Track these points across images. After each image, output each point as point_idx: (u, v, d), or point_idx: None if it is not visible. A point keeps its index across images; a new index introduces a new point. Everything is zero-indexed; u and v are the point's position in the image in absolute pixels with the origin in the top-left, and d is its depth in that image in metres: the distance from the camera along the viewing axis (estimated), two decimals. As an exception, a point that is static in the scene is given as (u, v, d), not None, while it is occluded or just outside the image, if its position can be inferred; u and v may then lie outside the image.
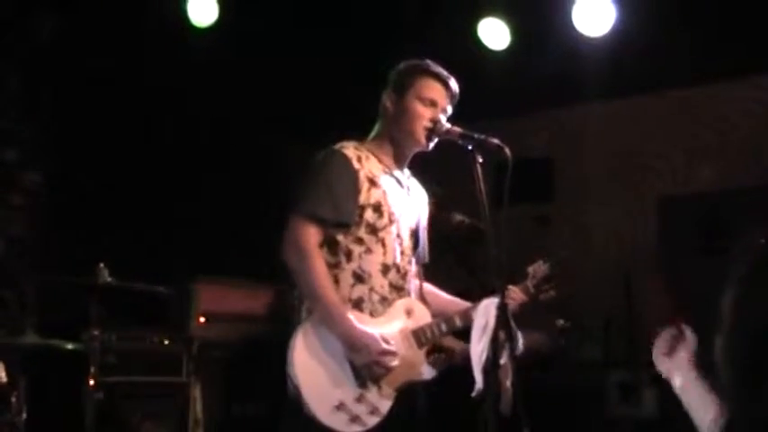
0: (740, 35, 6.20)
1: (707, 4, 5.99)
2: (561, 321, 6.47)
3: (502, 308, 3.01)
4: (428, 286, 3.62)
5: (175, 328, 5.92)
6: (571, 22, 6.09)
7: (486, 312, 3.16)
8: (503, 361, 3.02)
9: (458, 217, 3.76)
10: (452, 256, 4.55)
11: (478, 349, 3.09)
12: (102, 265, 4.78)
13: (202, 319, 6.04)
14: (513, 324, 3.09)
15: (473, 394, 3.06)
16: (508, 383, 3.11)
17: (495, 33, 6.45)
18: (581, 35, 6.13)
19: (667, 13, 6.05)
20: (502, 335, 2.99)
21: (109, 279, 4.74)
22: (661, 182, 7.52)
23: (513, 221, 2.96)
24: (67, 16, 6.31)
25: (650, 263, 7.30)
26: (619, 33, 6.09)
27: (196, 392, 5.52)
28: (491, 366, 3.00)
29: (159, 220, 6.58)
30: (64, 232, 6.23)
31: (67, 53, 6.41)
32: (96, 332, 4.76)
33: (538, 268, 3.57)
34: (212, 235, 6.76)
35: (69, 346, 4.79)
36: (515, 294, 3.49)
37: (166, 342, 5.72)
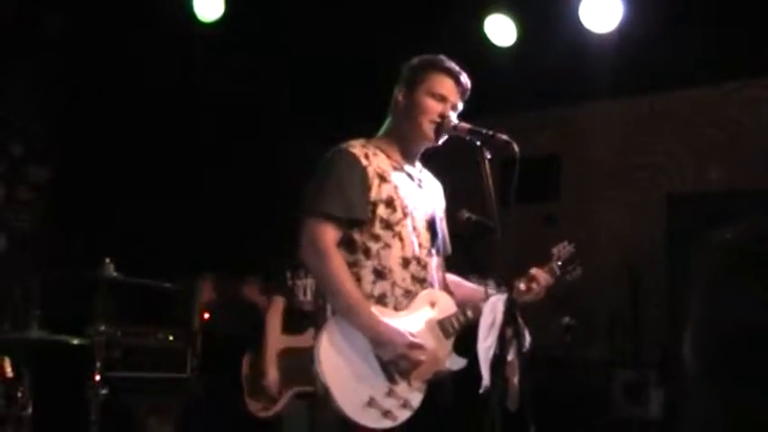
0: (751, 35, 6.19)
1: (717, 2, 5.99)
2: (567, 319, 6.48)
3: (509, 304, 3.00)
4: (451, 276, 3.60)
5: (180, 323, 5.92)
6: (578, 18, 6.10)
7: (493, 309, 3.14)
8: (510, 357, 3.00)
9: (465, 214, 3.73)
10: (461, 253, 4.55)
11: (486, 346, 3.07)
12: (107, 260, 4.80)
13: (206, 315, 6.05)
14: (520, 321, 3.05)
15: (480, 391, 3.05)
16: (515, 380, 3.09)
17: (501, 30, 6.47)
18: (588, 32, 6.15)
19: (676, 11, 6.05)
20: (509, 331, 2.98)
21: (114, 274, 4.76)
22: (668, 181, 7.52)
23: (519, 220, 2.98)
24: (75, 13, 6.33)
25: (657, 262, 7.31)
26: (626, 30, 6.10)
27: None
28: (498, 363, 3.00)
29: (165, 215, 6.59)
30: (70, 227, 6.25)
31: (75, 49, 6.43)
32: (101, 327, 4.78)
33: (562, 249, 3.56)
34: (218, 231, 6.77)
35: (75, 342, 4.80)
36: (541, 277, 3.46)
37: (171, 338, 5.72)
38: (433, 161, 3.61)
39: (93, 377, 4.69)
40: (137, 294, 5.18)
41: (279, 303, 4.97)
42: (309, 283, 4.90)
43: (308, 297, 4.87)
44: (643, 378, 6.67)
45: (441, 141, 3.41)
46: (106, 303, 4.81)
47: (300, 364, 4.43)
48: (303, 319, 4.76)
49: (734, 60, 6.57)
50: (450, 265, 3.63)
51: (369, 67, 6.51)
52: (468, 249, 4.44)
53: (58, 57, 6.52)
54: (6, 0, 6.11)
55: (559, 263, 3.54)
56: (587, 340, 7.13)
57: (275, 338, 4.90)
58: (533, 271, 3.47)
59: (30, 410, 4.56)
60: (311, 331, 4.59)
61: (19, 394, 4.52)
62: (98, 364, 4.71)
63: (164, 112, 6.84)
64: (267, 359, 4.83)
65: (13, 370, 4.52)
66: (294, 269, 4.91)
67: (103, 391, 4.72)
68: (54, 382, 5.02)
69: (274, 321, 4.93)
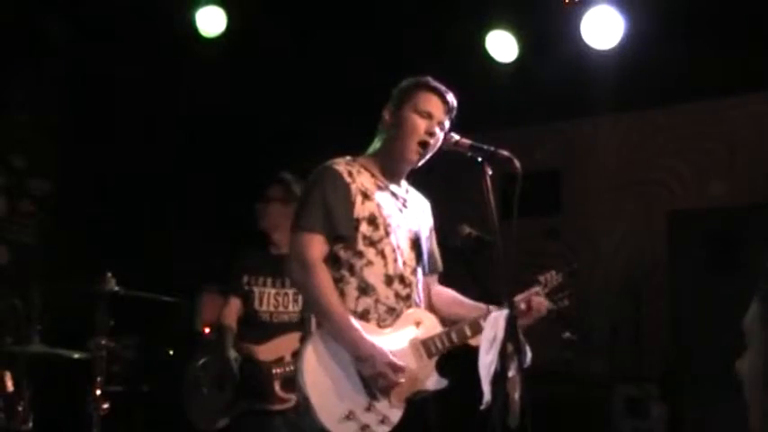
0: (752, 49, 6.21)
1: (718, 17, 6.00)
2: (567, 334, 6.47)
3: (510, 320, 3.03)
4: (451, 292, 3.63)
5: (182, 337, 5.93)
6: (579, 34, 6.12)
7: (494, 324, 3.16)
8: (511, 373, 3.03)
9: (466, 229, 3.75)
10: (462, 268, 4.57)
11: (487, 361, 3.09)
12: (109, 273, 4.80)
13: (207, 330, 6.04)
14: (521, 336, 3.10)
15: (481, 407, 3.06)
16: (516, 396, 3.12)
17: (503, 46, 6.49)
18: (589, 47, 6.16)
19: (677, 26, 6.07)
20: (510, 347, 3.01)
21: (116, 288, 4.76)
22: (670, 196, 7.51)
23: (520, 234, 2.98)
24: (78, 24, 6.35)
25: (658, 277, 7.31)
26: (628, 46, 6.11)
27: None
28: (499, 379, 3.02)
29: (167, 228, 6.60)
30: (71, 240, 6.25)
31: (77, 62, 6.45)
32: (102, 341, 4.77)
33: (550, 277, 3.57)
34: (220, 245, 6.76)
35: (75, 356, 4.80)
36: (540, 304, 3.47)
37: (172, 352, 5.72)
38: (434, 176, 3.62)
39: (94, 391, 4.69)
40: (138, 308, 5.18)
41: (234, 305, 4.85)
42: (269, 291, 4.84)
43: (266, 307, 4.81)
44: (644, 393, 6.66)
45: (421, 163, 3.44)
46: (107, 317, 4.81)
47: (258, 380, 4.54)
48: (260, 329, 4.72)
49: (734, 75, 6.58)
50: (451, 279, 3.65)
51: (369, 85, 6.54)
52: (469, 264, 4.46)
53: (60, 69, 6.54)
54: (8, 10, 6.13)
55: (546, 291, 3.54)
56: (588, 355, 7.13)
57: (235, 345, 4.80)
58: (533, 297, 3.47)
59: (30, 424, 4.55)
60: (270, 345, 4.64)
61: (19, 408, 4.51)
62: (99, 378, 4.70)
63: (166, 126, 6.86)
64: (227, 366, 4.67)
65: (14, 384, 4.52)
66: (253, 274, 4.84)
67: (104, 406, 4.71)
68: (55, 396, 5.02)
69: (230, 323, 4.80)
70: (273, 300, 4.86)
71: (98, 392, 4.67)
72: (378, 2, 6.32)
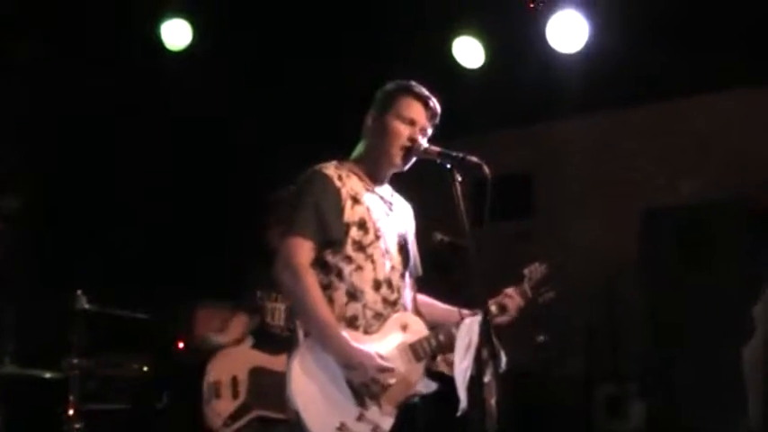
0: (718, 48, 6.26)
1: (683, 18, 6.05)
2: (541, 337, 6.48)
3: (485, 325, 3.03)
4: (423, 297, 3.62)
5: (156, 354, 5.90)
6: (545, 38, 6.14)
7: (469, 330, 3.20)
8: (487, 379, 3.04)
9: (438, 236, 3.77)
10: (435, 274, 4.58)
11: (463, 368, 3.12)
12: (79, 291, 4.77)
13: (181, 345, 6.02)
14: (496, 341, 3.10)
15: (458, 413, 3.09)
16: (493, 401, 3.10)
17: (469, 52, 6.51)
18: (556, 51, 6.19)
19: (642, 27, 6.12)
20: (485, 352, 3.02)
21: (87, 305, 4.73)
22: (642, 195, 7.52)
23: (493, 238, 3.01)
24: (45, 40, 6.31)
25: (632, 275, 7.33)
26: (594, 49, 6.15)
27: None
28: (475, 385, 3.04)
29: (139, 244, 6.57)
30: (42, 258, 6.21)
31: (45, 77, 6.41)
32: (75, 360, 4.74)
33: (535, 270, 3.59)
34: (193, 260, 6.76)
35: (47, 375, 4.76)
36: (513, 299, 3.52)
37: (146, 369, 5.69)
38: (404, 183, 3.63)
39: (68, 411, 4.64)
40: (113, 324, 5.16)
41: (242, 318, 4.94)
42: (279, 307, 4.91)
43: (277, 321, 4.88)
44: (623, 391, 6.69)
45: (407, 167, 3.45)
46: (80, 335, 4.78)
47: (270, 388, 4.58)
48: (274, 342, 4.78)
49: (701, 74, 6.62)
50: (427, 286, 3.65)
51: (338, 92, 6.56)
52: (444, 270, 4.46)
53: (29, 84, 6.49)
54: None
55: (531, 284, 3.58)
56: (565, 356, 7.15)
57: (246, 352, 4.87)
58: (505, 293, 3.52)
59: (5, 446, 4.52)
60: (284, 357, 4.68)
61: (-6, 430, 4.47)
62: (72, 398, 4.67)
63: (135, 139, 6.83)
64: (239, 371, 4.77)
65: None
66: (266, 290, 4.90)
67: (77, 425, 4.67)
68: (29, 416, 4.97)
69: (236, 333, 4.91)
70: (284, 314, 4.93)
71: (71, 412, 4.63)
72: (345, 10, 6.32)
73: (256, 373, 4.75)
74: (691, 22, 6.06)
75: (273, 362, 4.67)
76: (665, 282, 6.87)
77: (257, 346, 4.85)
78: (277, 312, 4.93)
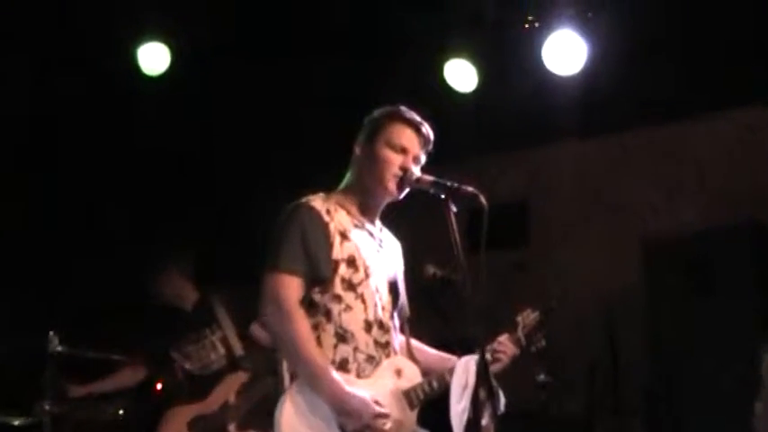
0: (716, 70, 6.29)
1: (681, 40, 6.08)
2: (542, 376, 6.45)
3: (482, 365, 3.01)
4: (415, 342, 3.61)
5: (133, 396, 5.85)
6: (541, 60, 6.14)
7: (465, 370, 3.20)
8: (485, 421, 3.01)
9: (431, 269, 3.74)
10: (429, 309, 4.57)
11: (459, 409, 3.12)
12: (51, 332, 4.73)
13: (159, 387, 5.98)
14: (493, 381, 3.09)
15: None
16: (491, 443, 3.14)
17: (462, 75, 6.51)
18: (552, 74, 6.19)
19: (640, 49, 6.14)
20: (482, 393, 2.99)
21: (60, 348, 4.69)
22: (641, 222, 7.51)
23: (487, 268, 3.00)
24: (15, 63, 6.29)
25: (634, 307, 7.31)
26: (591, 71, 6.14)
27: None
28: (472, 427, 3.01)
29: (111, 285, 6.56)
30: (12, 299, 6.16)
31: (15, 102, 6.39)
32: (48, 405, 4.70)
33: (527, 317, 3.57)
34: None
35: (16, 423, 4.73)
36: (507, 347, 3.49)
37: (122, 412, 5.65)
38: (396, 215, 3.60)
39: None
40: (87, 367, 5.14)
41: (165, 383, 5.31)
42: (188, 350, 5.28)
43: (189, 365, 5.29)
44: (626, 427, 6.66)
45: (402, 195, 3.42)
46: (53, 378, 4.75)
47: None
48: (198, 387, 5.15)
49: (700, 96, 6.64)
50: (418, 323, 3.63)
51: (324, 120, 6.55)
52: (437, 306, 4.44)
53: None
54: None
55: (525, 332, 3.54)
56: (565, 392, 7.10)
57: (179, 412, 5.18)
58: (498, 342, 3.48)
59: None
60: (212, 397, 5.05)
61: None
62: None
63: (108, 169, 6.81)
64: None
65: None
66: (175, 343, 5.25)
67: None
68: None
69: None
70: (197, 356, 5.27)
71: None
72: (331, 32, 6.32)
73: (197, 425, 5.02)
74: (691, 44, 6.09)
75: (205, 406, 4.98)
76: (669, 312, 6.85)
77: (188, 395, 5.16)
78: (191, 357, 5.27)
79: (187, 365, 5.29)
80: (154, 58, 6.32)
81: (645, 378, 6.91)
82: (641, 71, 6.30)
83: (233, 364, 5.29)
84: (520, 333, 3.53)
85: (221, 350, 5.30)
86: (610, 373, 7.08)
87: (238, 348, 5.30)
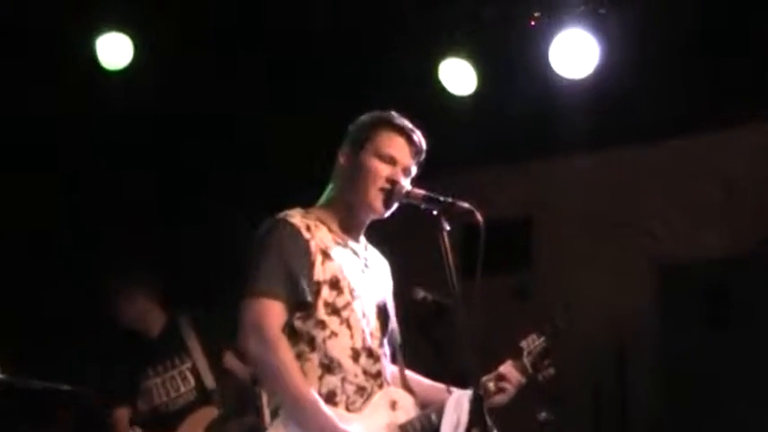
0: (743, 75, 6.29)
1: (710, 40, 6.08)
2: (544, 414, 6.44)
3: (476, 401, 3.01)
4: (408, 372, 3.61)
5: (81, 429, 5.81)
6: (548, 61, 6.13)
7: (457, 406, 3.21)
8: (479, 462, 3.00)
9: (420, 293, 3.73)
10: (418, 337, 4.57)
11: (449, 451, 3.10)
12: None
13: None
14: (489, 420, 3.07)
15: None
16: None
17: (459, 76, 6.49)
18: (560, 77, 6.18)
19: (658, 51, 6.13)
20: (476, 432, 2.99)
21: (0, 376, 4.68)
22: (657, 245, 7.55)
23: (485, 294, 2.97)
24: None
25: (646, 339, 7.31)
26: (604, 74, 6.14)
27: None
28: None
29: (58, 309, 6.58)
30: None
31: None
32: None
33: (532, 343, 3.57)
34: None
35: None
36: (512, 376, 3.49)
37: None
38: (383, 232, 3.57)
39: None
40: (30, 397, 5.12)
41: (123, 417, 5.29)
42: (155, 382, 5.30)
43: (157, 399, 5.31)
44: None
45: (389, 212, 3.40)
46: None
47: None
48: (166, 423, 5.19)
49: (728, 105, 6.65)
50: (408, 353, 3.62)
51: (303, 125, 6.53)
52: (427, 335, 4.42)
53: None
54: None
55: (531, 359, 3.55)
56: (569, 426, 7.09)
57: None
58: (503, 369, 3.48)
59: None
60: (184, 428, 5.21)
61: None
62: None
63: (63, 173, 6.78)
64: None
65: None
66: (137, 372, 5.28)
67: None
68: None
69: None
70: (163, 388, 5.27)
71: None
72: (313, 27, 6.30)
73: None
74: (716, 46, 6.08)
75: None
76: (684, 345, 6.87)
77: None
78: (155, 390, 5.31)
79: (151, 399, 5.30)
80: (114, 50, 6.32)
81: (655, 412, 6.93)
82: (659, 76, 6.31)
83: (203, 398, 5.28)
84: (525, 360, 3.54)
85: (191, 382, 5.31)
86: (617, 406, 7.10)
87: (210, 380, 5.30)
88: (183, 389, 5.28)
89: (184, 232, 7.40)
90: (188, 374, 5.30)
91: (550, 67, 6.15)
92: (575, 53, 6.08)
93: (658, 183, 7.57)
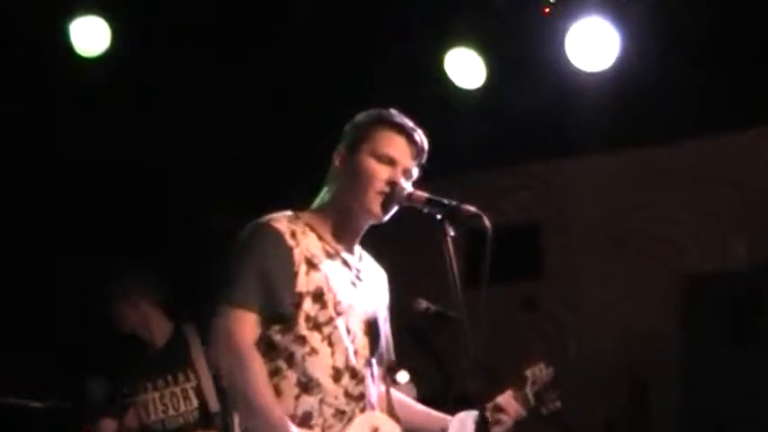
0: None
1: (741, 32, 6.05)
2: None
3: (482, 425, 3.07)
4: (398, 395, 3.61)
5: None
6: (564, 53, 6.12)
7: (461, 428, 3.25)
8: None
9: (422, 303, 3.74)
10: (417, 353, 4.56)
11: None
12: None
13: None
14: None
15: None
16: None
17: (466, 68, 6.48)
18: (576, 70, 6.17)
19: (685, 44, 6.10)
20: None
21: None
22: (677, 255, 7.55)
23: (490, 304, 2.97)
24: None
25: (667, 357, 7.28)
26: (624, 68, 6.13)
27: None
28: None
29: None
30: None
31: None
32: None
33: (539, 372, 3.57)
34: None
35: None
36: (511, 407, 3.49)
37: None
38: (381, 238, 3.55)
39: None
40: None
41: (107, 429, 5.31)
42: (153, 397, 5.27)
43: (154, 416, 5.28)
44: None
45: (388, 216, 3.38)
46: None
47: None
48: None
49: (758, 105, 6.64)
50: (409, 368, 3.69)
51: (296, 124, 6.51)
52: (428, 349, 4.41)
53: None
54: None
55: (535, 389, 3.54)
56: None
57: None
58: (502, 400, 3.49)
59: None
60: None
61: None
62: None
63: (34, 171, 6.82)
64: None
65: None
66: (134, 382, 5.25)
67: None
68: None
69: None
70: (161, 404, 5.25)
71: None
72: (307, 18, 6.29)
73: None
74: (750, 37, 6.04)
75: None
76: (709, 364, 6.86)
77: None
78: (152, 405, 5.27)
79: (147, 414, 5.28)
80: (90, 35, 6.29)
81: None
82: (686, 71, 6.28)
83: (204, 421, 5.28)
84: (528, 390, 3.53)
85: (193, 402, 5.31)
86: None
87: (214, 403, 5.29)
88: (183, 408, 5.28)
89: (188, 237, 7.43)
90: (191, 394, 5.30)
91: (566, 59, 6.15)
92: (593, 44, 6.08)
93: (680, 188, 7.57)
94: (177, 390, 5.23)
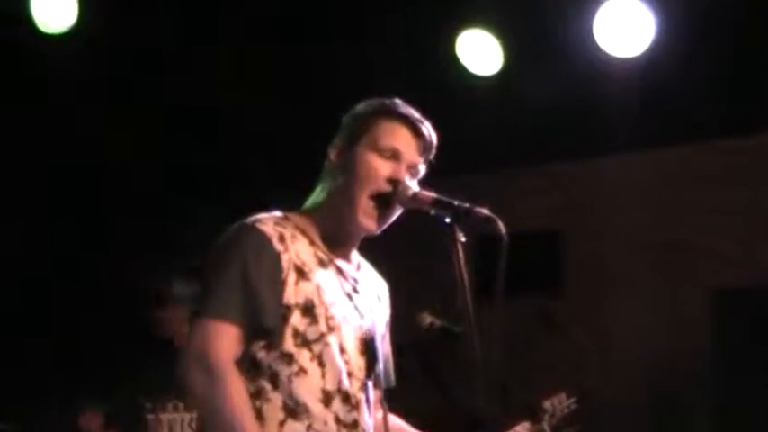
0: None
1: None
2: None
3: None
4: (396, 420, 3.59)
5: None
6: (592, 36, 6.14)
7: None
8: None
9: (427, 318, 3.73)
10: (421, 372, 4.55)
11: None
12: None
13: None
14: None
15: None
16: None
17: (481, 52, 6.47)
18: (605, 56, 6.18)
19: (727, 29, 6.05)
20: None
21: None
22: (711, 266, 7.56)
23: (504, 320, 2.93)
24: None
25: (698, 383, 7.27)
26: (658, 54, 6.14)
27: None
28: None
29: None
30: None
31: None
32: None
33: (558, 404, 3.68)
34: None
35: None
36: None
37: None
38: (383, 243, 3.46)
39: None
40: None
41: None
42: (179, 418, 5.18)
43: None
44: None
45: (387, 222, 3.33)
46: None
47: None
48: None
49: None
50: (407, 392, 3.62)
51: (288, 115, 6.50)
52: (433, 369, 4.40)
53: None
54: None
55: (553, 422, 3.63)
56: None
57: None
58: (518, 429, 3.58)
59: None
60: None
61: None
62: None
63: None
64: None
65: None
66: (155, 396, 5.17)
67: None
68: None
69: None
70: (189, 429, 5.24)
71: None
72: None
73: None
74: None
75: None
76: (746, 388, 6.85)
77: None
78: (177, 426, 5.20)
79: None
80: (54, 10, 6.32)
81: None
82: (727, 60, 6.23)
83: None
84: (546, 425, 3.66)
85: None
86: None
87: None
88: None
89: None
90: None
91: (594, 44, 6.18)
92: (624, 27, 6.09)
93: (714, 192, 7.58)
94: (186, 417, 5.25)
